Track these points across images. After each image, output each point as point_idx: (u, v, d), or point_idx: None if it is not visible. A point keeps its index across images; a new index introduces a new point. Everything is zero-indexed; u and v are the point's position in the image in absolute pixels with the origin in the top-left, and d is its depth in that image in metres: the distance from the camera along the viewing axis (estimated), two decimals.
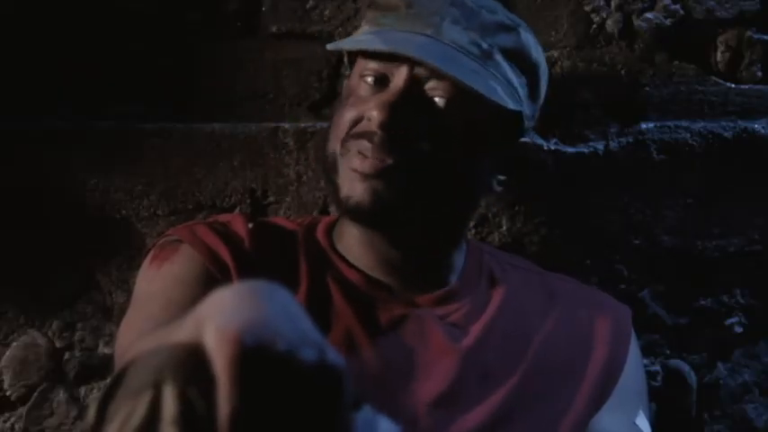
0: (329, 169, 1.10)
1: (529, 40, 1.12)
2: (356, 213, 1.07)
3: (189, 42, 1.36)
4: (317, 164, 1.39)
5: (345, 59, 1.31)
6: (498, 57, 1.08)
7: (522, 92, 1.11)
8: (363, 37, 1.09)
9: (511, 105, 1.07)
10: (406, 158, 1.04)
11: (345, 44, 1.13)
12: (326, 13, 1.40)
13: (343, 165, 1.07)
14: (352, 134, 1.07)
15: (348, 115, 1.08)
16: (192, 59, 1.36)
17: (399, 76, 1.06)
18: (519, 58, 1.10)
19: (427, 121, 1.05)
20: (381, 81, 1.08)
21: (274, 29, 1.39)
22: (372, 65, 1.08)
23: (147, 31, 1.34)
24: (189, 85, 1.36)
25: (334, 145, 1.09)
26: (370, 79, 1.08)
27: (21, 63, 1.31)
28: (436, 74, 1.04)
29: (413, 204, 1.07)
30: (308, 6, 1.39)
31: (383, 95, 1.05)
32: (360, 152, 1.05)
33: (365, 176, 1.04)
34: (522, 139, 1.17)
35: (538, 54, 1.14)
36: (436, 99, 1.06)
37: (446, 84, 1.04)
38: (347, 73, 1.19)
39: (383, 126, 1.03)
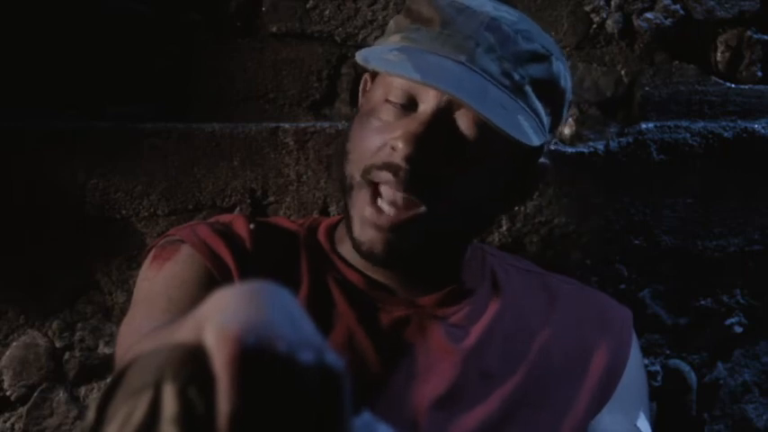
0: (345, 191, 1.08)
1: (560, 68, 1.09)
2: (367, 258, 1.06)
3: (189, 42, 1.36)
4: (318, 163, 1.39)
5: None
6: (528, 88, 1.05)
7: (547, 121, 1.09)
8: (395, 56, 1.03)
9: (536, 142, 1.04)
10: (428, 198, 1.02)
11: (377, 63, 1.05)
12: (326, 13, 1.40)
13: (359, 201, 1.05)
14: (375, 164, 1.04)
15: (371, 142, 1.05)
16: (191, 59, 1.36)
17: (428, 103, 1.02)
18: (548, 89, 1.08)
19: (453, 150, 1.03)
20: (408, 104, 1.04)
21: (274, 29, 1.39)
22: (400, 82, 1.03)
23: (148, 32, 1.34)
24: (189, 85, 1.36)
25: (353, 170, 1.06)
26: (396, 101, 1.04)
27: (21, 63, 1.31)
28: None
29: (429, 247, 1.07)
30: (307, 6, 1.39)
31: (410, 124, 1.02)
32: (380, 187, 1.03)
33: (380, 228, 1.03)
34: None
35: (566, 82, 1.11)
36: (463, 128, 1.03)
37: (474, 114, 1.01)
38: (368, 83, 1.15)
39: (409, 160, 1.00)
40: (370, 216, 1.04)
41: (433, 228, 1.05)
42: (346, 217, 1.08)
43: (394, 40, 1.08)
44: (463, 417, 1.08)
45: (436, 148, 1.02)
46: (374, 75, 1.12)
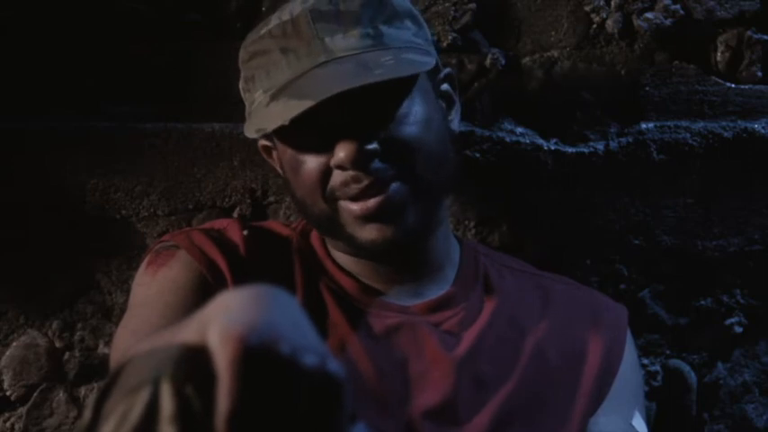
0: (323, 222, 1.08)
1: None
2: (382, 248, 1.06)
3: (189, 43, 1.36)
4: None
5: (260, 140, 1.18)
6: (385, 29, 1.05)
7: (424, 38, 1.09)
8: (277, 107, 1.01)
9: (431, 64, 1.05)
10: (394, 170, 1.03)
11: (268, 125, 1.02)
12: None
13: (343, 211, 1.05)
14: (335, 187, 1.04)
15: (314, 175, 1.04)
16: (191, 59, 1.36)
17: (332, 112, 1.00)
18: (397, 18, 1.07)
19: (383, 119, 1.03)
20: (325, 133, 1.03)
21: None
22: (298, 122, 0.99)
23: (147, 32, 1.34)
24: (189, 85, 1.36)
25: (321, 205, 1.06)
26: (311, 139, 1.04)
27: (21, 63, 1.31)
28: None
29: (422, 208, 1.06)
30: None
31: (338, 142, 1.01)
32: (355, 197, 1.03)
33: (369, 218, 1.04)
34: (521, 140, 1.15)
35: (403, 2, 1.10)
36: (376, 100, 1.02)
37: (377, 86, 0.99)
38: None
39: (356, 161, 1.00)
40: (362, 210, 1.03)
41: (417, 188, 1.04)
42: (335, 235, 1.09)
43: (261, 99, 1.05)
44: (460, 426, 1.07)
45: (372, 133, 1.01)
46: (267, 137, 1.11)
